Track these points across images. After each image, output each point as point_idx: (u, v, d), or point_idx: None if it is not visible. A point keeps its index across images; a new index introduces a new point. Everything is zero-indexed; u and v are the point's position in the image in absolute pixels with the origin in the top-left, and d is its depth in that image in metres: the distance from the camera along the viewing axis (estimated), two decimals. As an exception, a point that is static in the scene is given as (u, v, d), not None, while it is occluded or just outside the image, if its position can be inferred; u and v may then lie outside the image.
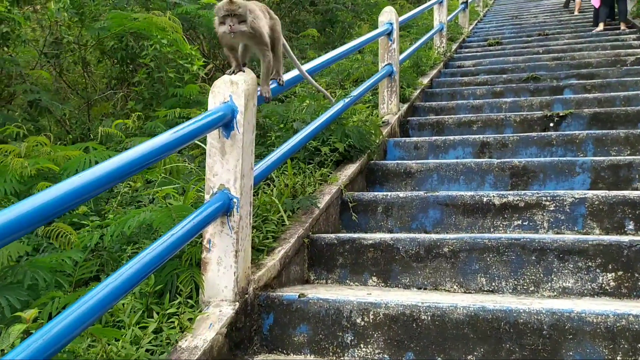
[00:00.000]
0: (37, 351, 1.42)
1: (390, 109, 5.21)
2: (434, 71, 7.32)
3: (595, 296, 2.52)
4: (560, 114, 4.81)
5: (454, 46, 9.43)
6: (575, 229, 3.10)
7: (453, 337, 2.15)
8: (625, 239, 2.53)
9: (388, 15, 5.25)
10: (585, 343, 2.01)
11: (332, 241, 2.94)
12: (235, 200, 2.26)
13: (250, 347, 2.33)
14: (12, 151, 3.09)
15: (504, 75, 6.83)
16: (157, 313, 2.09)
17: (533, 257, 2.63)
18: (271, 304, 2.39)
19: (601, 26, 9.35)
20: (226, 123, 2.28)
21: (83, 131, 5.62)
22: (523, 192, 3.24)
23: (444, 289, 2.73)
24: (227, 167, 2.28)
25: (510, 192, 3.27)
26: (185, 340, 2.03)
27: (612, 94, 5.31)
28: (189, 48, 5.86)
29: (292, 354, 2.33)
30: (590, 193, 3.11)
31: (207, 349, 2.02)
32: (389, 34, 5.22)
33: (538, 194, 3.19)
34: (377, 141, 4.38)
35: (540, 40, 9.41)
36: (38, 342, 1.44)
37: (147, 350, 1.90)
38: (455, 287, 2.72)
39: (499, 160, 3.83)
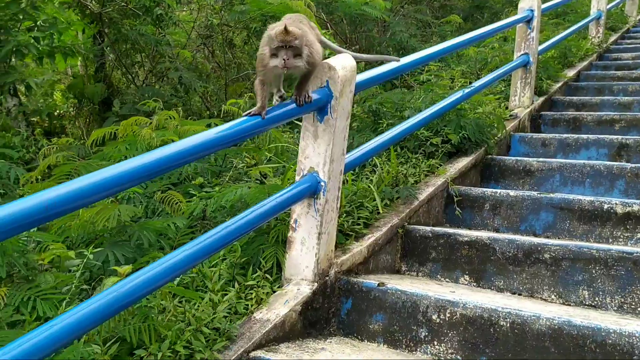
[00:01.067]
0: (127, 293, 1.64)
1: (522, 101, 4.92)
2: (584, 63, 6.73)
3: None
4: None
5: (614, 37, 8.56)
6: None
7: (532, 348, 2.03)
8: None
9: (529, 1, 4.93)
10: (683, 377, 1.78)
11: (426, 234, 2.89)
12: (322, 183, 2.32)
13: (327, 328, 2.39)
14: (147, 123, 3.45)
15: (666, 71, 6.08)
16: (239, 284, 2.23)
17: (646, 275, 2.37)
18: (351, 289, 2.43)
19: None
20: (321, 107, 2.33)
21: (220, 108, 6.06)
22: (652, 202, 2.91)
23: (540, 297, 2.56)
24: (318, 151, 2.35)
25: (636, 201, 2.95)
26: (260, 312, 2.15)
27: None
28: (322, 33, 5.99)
29: (366, 341, 2.35)
30: None
31: (279, 323, 2.12)
32: (528, 21, 4.90)
33: (670, 205, 2.84)
34: (500, 135, 4.17)
35: None
36: (126, 286, 1.65)
37: (224, 317, 2.04)
38: (553, 296, 2.54)
39: (632, 165, 3.46)
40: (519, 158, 3.87)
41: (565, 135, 4.24)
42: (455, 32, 8.89)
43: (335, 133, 2.34)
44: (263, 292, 2.19)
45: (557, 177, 3.66)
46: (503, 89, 5.29)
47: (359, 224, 2.73)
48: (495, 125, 4.14)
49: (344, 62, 2.38)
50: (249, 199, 2.47)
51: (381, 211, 2.83)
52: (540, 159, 3.79)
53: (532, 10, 4.87)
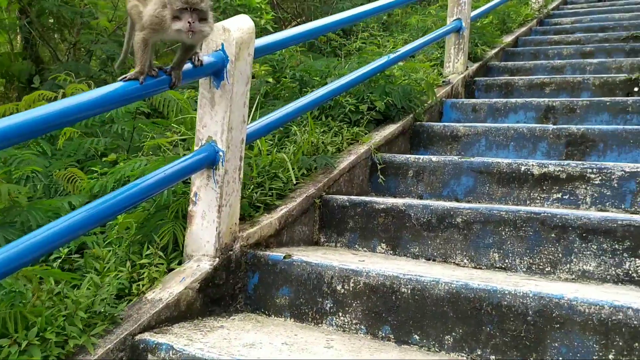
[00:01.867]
0: None
1: (456, 68, 4.88)
2: (523, 29, 6.75)
3: (620, 283, 2.21)
4: (648, 78, 4.23)
5: (557, 2, 8.61)
6: (622, 206, 2.73)
7: (432, 314, 1.99)
8: (662, 221, 2.18)
9: (460, -35, 4.85)
10: (574, 335, 1.77)
11: (344, 203, 2.82)
12: (221, 153, 2.21)
13: (233, 305, 2.31)
14: (53, 97, 3.26)
15: (601, 34, 6.12)
16: (134, 264, 2.12)
17: (552, 235, 2.35)
18: (257, 262, 2.35)
19: None
20: (216, 72, 2.21)
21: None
22: (566, 162, 2.90)
23: (454, 262, 2.53)
24: (216, 119, 2.23)
25: (552, 161, 2.94)
26: (153, 292, 2.05)
27: None
28: (256, 1, 5.83)
29: (273, 316, 2.28)
30: (644, 167, 2.71)
31: (173, 302, 2.02)
32: (459, -15, 4.83)
33: (583, 164, 2.83)
34: (430, 101, 4.12)
35: (659, -5, 8.33)
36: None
37: (108, 299, 1.92)
38: (465, 260, 2.51)
39: (554, 127, 3.45)
40: (446, 124, 3.83)
41: (494, 100, 4.22)
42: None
43: (232, 99, 2.22)
44: (156, 271, 2.08)
45: (483, 142, 3.63)
46: (439, 55, 5.24)
47: (270, 195, 2.64)
48: (425, 91, 4.09)
49: (240, 24, 2.26)
50: (148, 172, 2.34)
51: (294, 181, 2.74)
52: (467, 124, 3.76)
53: (464, -26, 4.80)
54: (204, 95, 2.26)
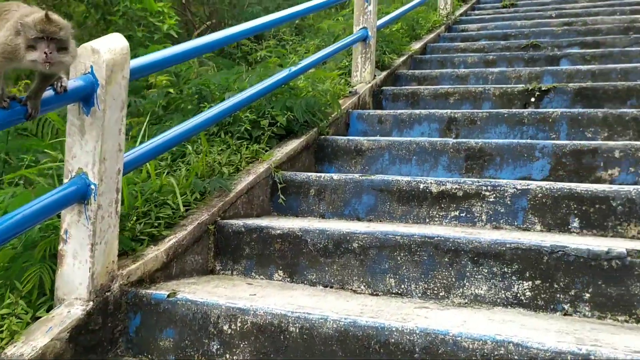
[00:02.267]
0: None
1: (363, 77, 4.86)
2: (431, 35, 6.86)
3: (509, 306, 2.22)
4: (543, 88, 4.37)
5: (464, 8, 8.85)
6: (515, 223, 2.77)
7: (321, 354, 1.90)
8: (546, 243, 2.21)
9: (364, -25, 4.83)
10: (459, 372, 1.74)
11: (239, 229, 2.69)
12: (92, 186, 2.03)
13: (112, 350, 2.13)
14: None
15: (503, 42, 6.32)
16: (-8, 313, 1.90)
17: (446, 259, 2.34)
18: (139, 302, 2.18)
19: (624, -12, 8.60)
20: (85, 98, 2.02)
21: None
22: (462, 179, 2.91)
23: (351, 289, 2.47)
24: (86, 149, 2.04)
25: (449, 179, 2.95)
26: (14, 347, 1.84)
27: (608, 65, 4.82)
28: (158, 5, 5.57)
29: None
30: (534, 184, 2.77)
31: (37, 357, 1.82)
32: (365, -5, 4.81)
33: (478, 182, 2.86)
34: (335, 113, 4.06)
35: (557, 3, 8.74)
36: None
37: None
38: (362, 287, 2.46)
39: (454, 141, 3.48)
40: (350, 138, 3.78)
41: (399, 111, 4.23)
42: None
43: (105, 127, 2.04)
44: (18, 322, 1.87)
45: (387, 156, 3.61)
46: (348, 63, 5.21)
47: (157, 226, 2.47)
48: (331, 103, 4.03)
49: (111, 44, 2.07)
50: (10, 207, 2.11)
51: (182, 209, 2.58)
52: (371, 138, 3.73)
53: (368, -16, 4.79)
54: (73, 122, 2.06)
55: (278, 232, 2.62)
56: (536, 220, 2.74)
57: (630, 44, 5.69)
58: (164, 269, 2.40)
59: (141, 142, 2.86)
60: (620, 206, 2.61)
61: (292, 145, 3.49)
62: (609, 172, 3.13)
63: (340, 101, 4.38)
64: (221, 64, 6.19)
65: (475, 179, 2.91)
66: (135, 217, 2.41)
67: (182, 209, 2.55)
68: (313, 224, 2.72)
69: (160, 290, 2.20)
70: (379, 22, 5.34)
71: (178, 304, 2.12)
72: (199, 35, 7.86)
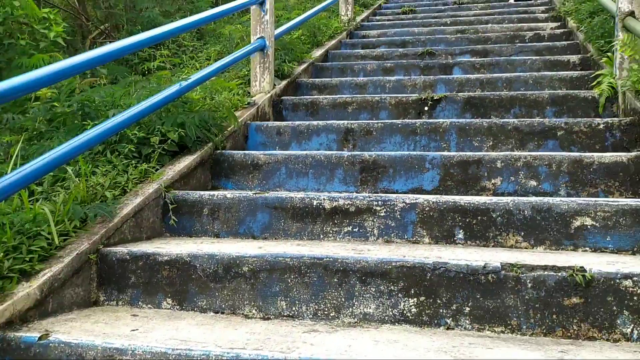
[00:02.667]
0: None
1: (262, 87, 4.81)
2: (333, 42, 6.93)
3: (397, 323, 2.27)
4: (435, 98, 4.53)
5: (366, 13, 9.05)
6: (405, 237, 2.84)
7: (204, 390, 1.85)
8: (429, 260, 2.27)
9: (260, -17, 4.78)
10: (341, 401, 1.74)
11: (124, 257, 2.56)
12: (-54, 228, 1.84)
13: (-24, 401, 1.95)
14: None
15: (401, 49, 6.50)
16: None
17: (335, 279, 2.35)
18: (7, 347, 2.02)
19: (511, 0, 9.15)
20: None
21: None
22: (355, 195, 2.95)
23: (242, 314, 2.42)
24: (-62, 187, 1.85)
25: (342, 195, 2.97)
26: None
27: (495, 75, 5.08)
28: (44, 11, 5.23)
29: (28, 407, 1.97)
30: (422, 198, 2.85)
31: None
32: (261, 3, 4.76)
33: (369, 197, 2.90)
34: (233, 126, 3.99)
35: (453, 10, 9.15)
36: None
37: None
38: (254, 311, 2.41)
39: (349, 153, 3.52)
40: (247, 152, 3.72)
41: (297, 123, 4.22)
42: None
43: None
44: None
45: (284, 170, 3.59)
46: (248, 72, 5.14)
47: (29, 260, 2.29)
48: (227, 116, 3.95)
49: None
50: None
51: (56, 241, 2.41)
52: (267, 152, 3.69)
53: (264, -7, 4.74)
54: None
55: (165, 258, 2.53)
56: (425, 233, 2.82)
57: (516, 52, 6.04)
58: (38, 306, 2.23)
59: (14, 168, 2.66)
60: (500, 217, 2.74)
61: (186, 162, 3.39)
62: (492, 181, 3.29)
63: (238, 113, 4.31)
64: (116, 72, 5.93)
65: (367, 194, 2.95)
66: (3, 253, 2.22)
67: (56, 240, 2.39)
68: (203, 247, 2.64)
69: (32, 332, 2.05)
70: (279, 30, 5.32)
71: (50, 346, 1.98)
72: (94, 40, 7.50)
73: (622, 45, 4.05)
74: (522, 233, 2.71)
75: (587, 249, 2.64)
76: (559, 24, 7.06)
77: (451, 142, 3.91)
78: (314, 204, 2.95)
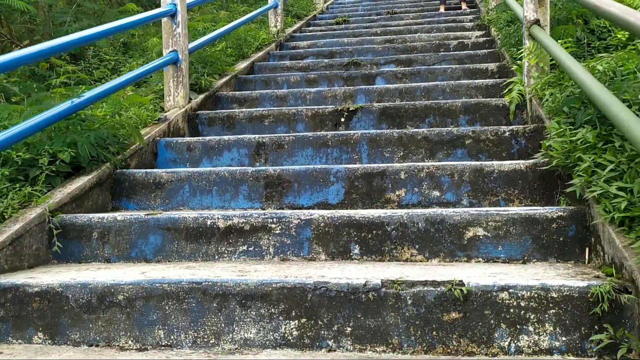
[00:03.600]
0: None
1: (177, 101, 4.66)
2: (260, 54, 6.84)
3: (278, 347, 2.17)
4: (351, 109, 4.49)
5: (300, 24, 9.01)
6: (302, 254, 2.75)
7: None
8: (310, 281, 2.19)
9: (171, -5, 4.65)
10: None
11: (-9, 289, 2.38)
12: None
13: None
14: None
15: (327, 60, 6.47)
16: None
17: (214, 305, 2.23)
18: None
19: (442, 8, 9.28)
20: None
21: None
22: (250, 212, 2.85)
23: (118, 345, 2.27)
24: None
25: (236, 212, 2.87)
26: None
27: (413, 84, 5.09)
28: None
29: None
30: (317, 214, 2.77)
31: None
32: (172, 15, 4.63)
33: (264, 215, 2.81)
34: (138, 144, 3.83)
35: (386, 20, 9.22)
36: None
37: None
38: (130, 342, 2.27)
39: (253, 169, 3.42)
40: (149, 170, 3.57)
41: (208, 138, 4.10)
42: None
43: None
44: None
45: (187, 188, 3.46)
46: (163, 87, 4.99)
47: None
48: (132, 133, 3.79)
49: None
50: None
51: None
52: (170, 170, 3.56)
53: (175, 4, 4.61)
54: None
55: (36, 289, 2.36)
56: (321, 250, 2.74)
57: (439, 61, 6.09)
58: None
59: None
60: (394, 230, 2.69)
61: (78, 183, 3.21)
62: (397, 193, 3.24)
63: (147, 129, 4.16)
64: (30, 88, 5.67)
65: (261, 212, 2.85)
66: None
67: None
68: (81, 275, 2.48)
69: None
70: (196, 42, 5.20)
71: None
72: (10, 55, 7.16)
73: (528, 53, 4.10)
74: (417, 246, 2.67)
75: (480, 259, 2.62)
76: (483, 32, 7.18)
77: (362, 154, 3.86)
78: (208, 223, 2.83)
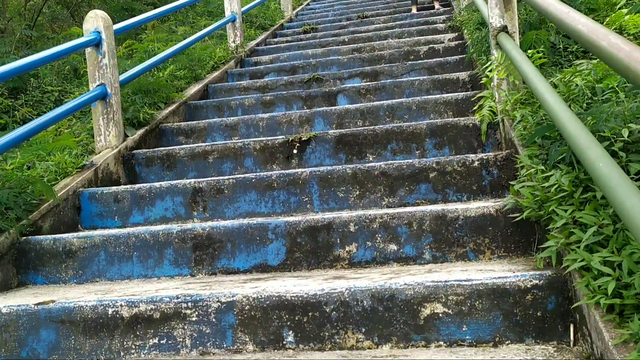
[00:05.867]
0: None
1: (108, 141, 4.14)
2: (216, 73, 6.31)
3: None
4: (303, 139, 3.97)
5: (263, 36, 8.48)
6: (224, 345, 2.24)
7: None
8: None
9: (93, 22, 4.13)
10: None
11: None
12: None
13: None
14: None
15: (286, 77, 5.94)
16: None
17: None
18: None
19: (414, 9, 8.78)
20: None
21: None
22: (159, 296, 2.32)
23: None
24: None
25: (143, 298, 2.34)
26: None
27: (376, 103, 4.56)
28: None
29: None
30: (240, 294, 2.25)
31: None
32: (97, 45, 4.10)
33: (177, 299, 2.29)
34: (53, 201, 3.31)
35: (356, 25, 8.70)
36: None
37: None
38: None
39: (178, 228, 2.90)
40: (57, 236, 3.04)
41: (138, 186, 3.57)
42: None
43: None
44: None
45: (103, 256, 2.94)
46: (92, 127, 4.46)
47: None
48: (45, 192, 3.27)
49: None
50: None
51: None
52: (82, 234, 3.04)
53: (99, 32, 4.09)
54: None
55: None
56: (247, 339, 2.23)
57: (407, 71, 5.58)
58: None
59: None
60: (334, 311, 2.17)
61: (-34, 263, 2.69)
62: (347, 249, 2.73)
63: (69, 179, 3.63)
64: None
65: (173, 295, 2.33)
66: None
67: None
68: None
69: None
70: (133, 70, 4.68)
71: None
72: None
73: (496, 66, 3.60)
74: (363, 329, 2.15)
75: (441, 343, 2.10)
76: (456, 34, 6.68)
77: (313, 195, 3.35)
78: (110, 312, 2.31)
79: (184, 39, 6.46)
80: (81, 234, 3.08)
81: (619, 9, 3.84)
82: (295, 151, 3.98)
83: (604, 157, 1.67)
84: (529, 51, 3.31)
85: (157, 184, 3.55)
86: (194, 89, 5.71)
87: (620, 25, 3.46)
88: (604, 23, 3.71)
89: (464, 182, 3.19)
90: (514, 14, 3.61)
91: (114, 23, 4.29)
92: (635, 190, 1.43)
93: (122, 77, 4.40)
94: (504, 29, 3.59)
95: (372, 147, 3.87)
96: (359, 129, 3.96)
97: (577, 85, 2.83)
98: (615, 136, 1.99)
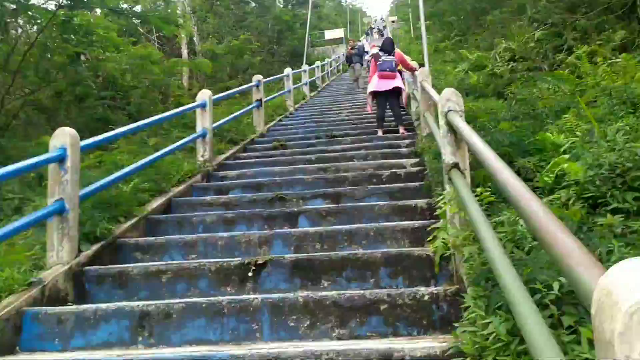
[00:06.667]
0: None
1: (60, 257, 4.06)
2: (181, 187, 6.36)
3: None
4: (259, 262, 3.96)
5: (233, 150, 8.70)
6: None
7: None
8: None
9: (60, 139, 4.21)
10: None
11: None
12: None
13: None
14: None
15: (250, 195, 6.03)
16: None
17: None
18: None
19: (380, 132, 9.20)
20: None
21: None
22: None
23: None
24: None
25: None
26: None
27: (335, 227, 4.64)
28: None
29: None
30: None
31: None
32: (61, 161, 4.15)
33: None
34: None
35: (323, 144, 9.01)
36: None
37: None
38: None
39: (118, 359, 2.78)
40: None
41: (83, 307, 3.46)
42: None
43: None
44: None
45: (34, 385, 2.78)
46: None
47: None
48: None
49: None
50: None
51: None
52: (15, 362, 2.89)
53: (64, 149, 4.16)
54: None
55: None
56: None
57: (368, 195, 5.72)
58: None
59: None
60: None
61: None
62: (291, 387, 2.64)
63: (12, 298, 3.51)
64: None
65: None
66: None
67: None
68: None
69: None
70: (93, 186, 4.70)
71: None
72: None
73: (449, 200, 3.73)
74: None
75: None
76: (418, 159, 6.95)
77: (264, 324, 3.28)
78: None
79: (156, 150, 6.59)
80: (14, 361, 2.92)
81: (563, 152, 4.10)
82: (250, 274, 3.95)
83: (533, 314, 1.71)
84: (479, 189, 3.45)
85: (103, 306, 3.45)
86: (156, 202, 5.73)
87: (562, 170, 3.67)
88: (549, 165, 3.94)
89: (414, 315, 3.19)
90: (465, 153, 3.81)
91: (88, 131, 4.37)
92: (556, 353, 1.46)
93: (83, 191, 4.41)
94: (456, 165, 3.77)
95: (327, 274, 3.87)
96: (315, 254, 3.99)
97: (521, 226, 2.94)
98: (546, 289, 2.05)
